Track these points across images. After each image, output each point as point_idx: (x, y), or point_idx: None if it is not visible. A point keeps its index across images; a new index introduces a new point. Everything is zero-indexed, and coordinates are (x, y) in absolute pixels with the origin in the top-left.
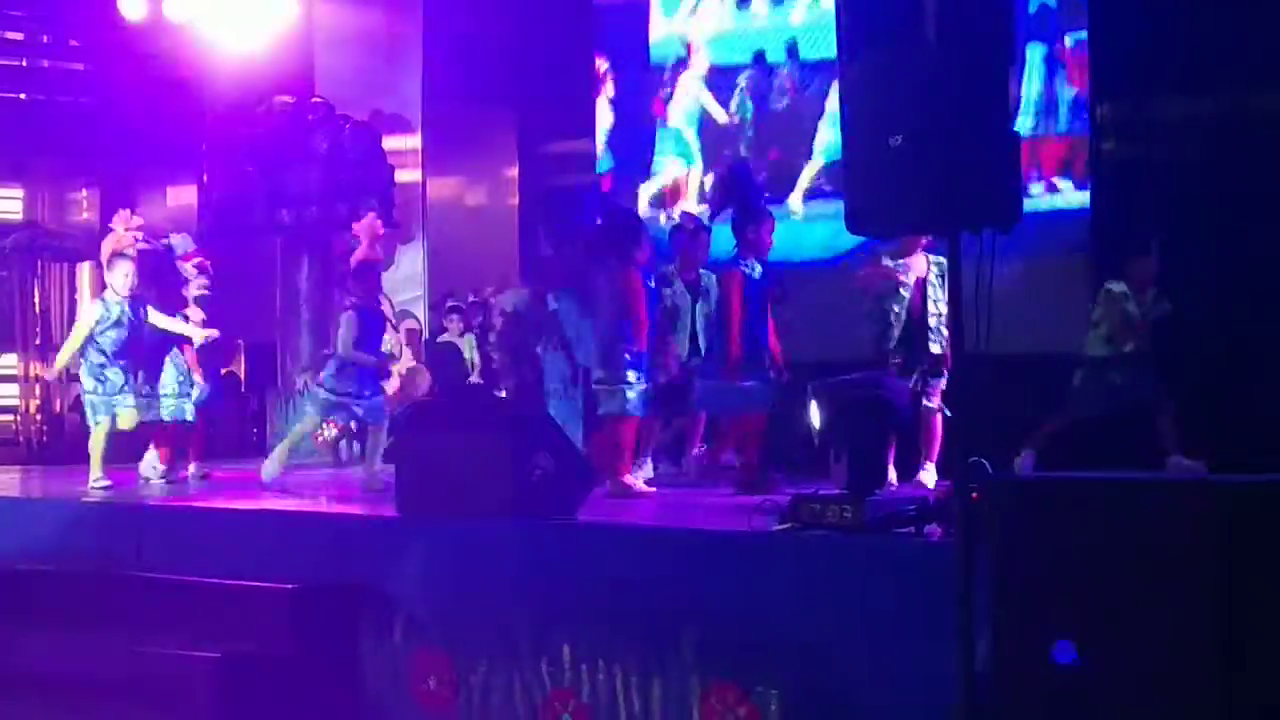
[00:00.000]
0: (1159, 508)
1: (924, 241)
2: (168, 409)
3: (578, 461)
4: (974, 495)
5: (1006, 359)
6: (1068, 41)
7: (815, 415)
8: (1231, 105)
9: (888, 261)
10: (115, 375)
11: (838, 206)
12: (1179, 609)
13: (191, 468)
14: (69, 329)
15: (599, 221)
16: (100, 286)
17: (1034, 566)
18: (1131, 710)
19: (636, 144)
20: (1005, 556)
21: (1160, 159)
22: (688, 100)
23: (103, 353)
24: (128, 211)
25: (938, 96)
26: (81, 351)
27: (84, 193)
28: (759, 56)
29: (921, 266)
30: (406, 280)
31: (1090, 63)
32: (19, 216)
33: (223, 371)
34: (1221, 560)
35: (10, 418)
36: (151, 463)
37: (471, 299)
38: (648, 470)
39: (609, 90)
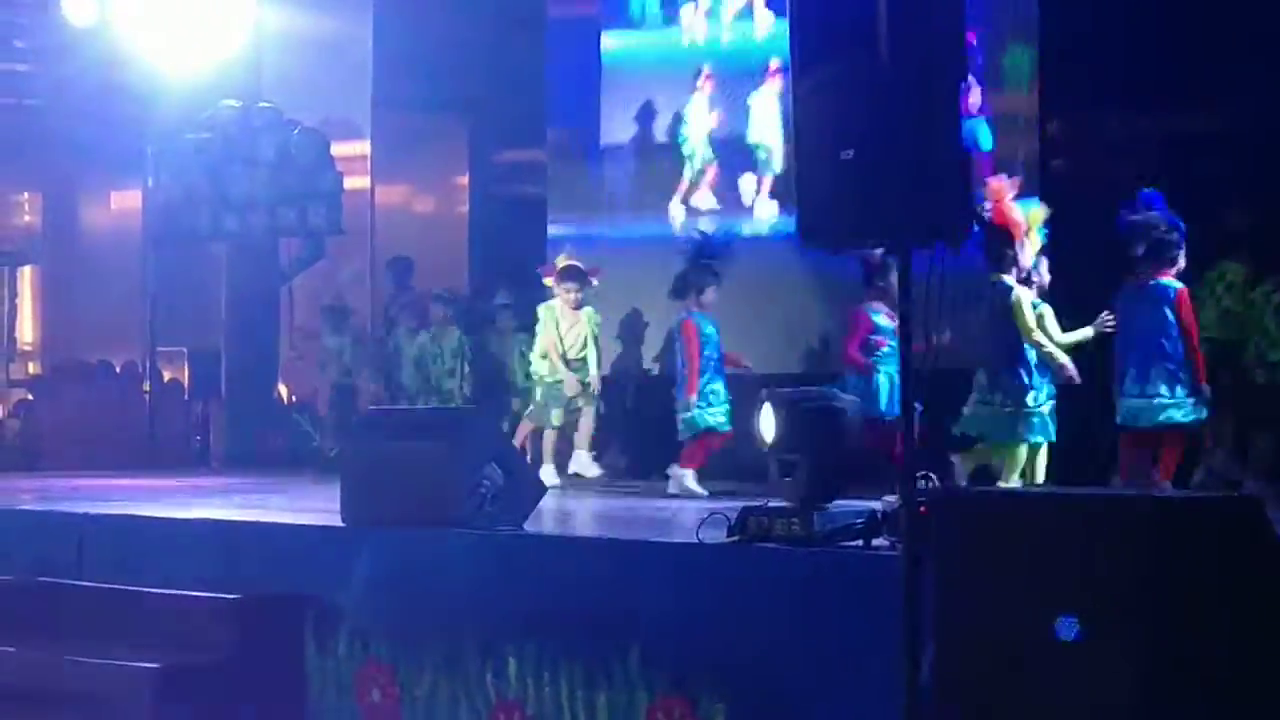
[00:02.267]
0: (1102, 521)
1: None
2: None
3: (525, 473)
4: (922, 509)
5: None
6: None
7: (766, 425)
8: (1180, 122)
9: None
10: None
11: None
12: (1123, 624)
13: None
14: (7, 334)
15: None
16: (45, 292)
17: (980, 580)
18: None
19: None
20: (950, 570)
21: (1109, 175)
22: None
23: None
24: None
25: (889, 112)
26: None
27: (26, 196)
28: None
29: None
30: (349, 286)
31: (1040, 79)
32: None
33: (166, 379)
34: (1160, 574)
35: None
36: None
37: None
38: None
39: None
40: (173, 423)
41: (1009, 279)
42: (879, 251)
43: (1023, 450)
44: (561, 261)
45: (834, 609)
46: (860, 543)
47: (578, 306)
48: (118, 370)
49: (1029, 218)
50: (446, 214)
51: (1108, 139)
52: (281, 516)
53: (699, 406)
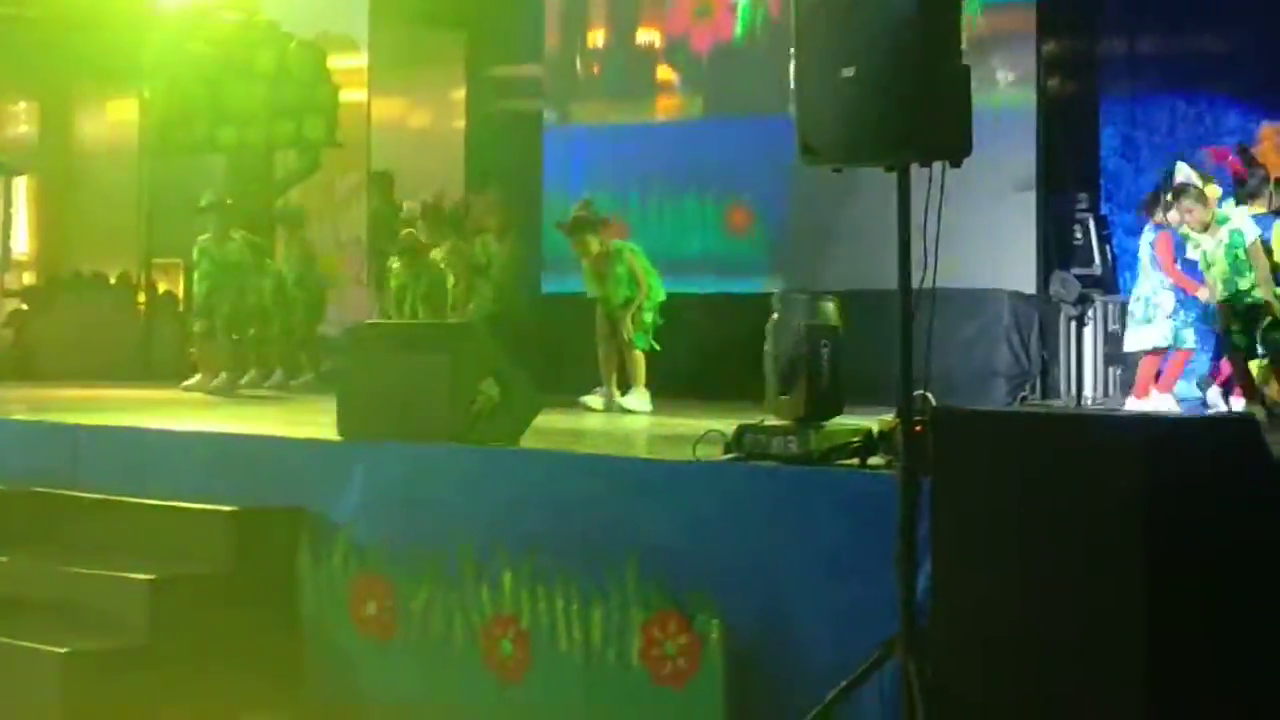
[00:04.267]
0: (1098, 440)
1: None
2: None
3: (522, 388)
4: (918, 427)
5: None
6: None
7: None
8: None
9: None
10: None
11: None
12: (1117, 542)
13: None
14: (2, 244)
15: None
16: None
17: (975, 499)
18: (1065, 640)
19: None
20: (947, 488)
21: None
22: None
23: None
24: None
25: (889, 29)
26: None
27: (21, 105)
28: None
29: None
30: (348, 195)
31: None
32: None
33: (161, 291)
34: (1155, 494)
35: None
36: None
37: None
38: None
39: None
40: (167, 334)
41: None
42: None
43: None
44: (576, 211)
45: (829, 526)
46: (856, 461)
47: (599, 253)
48: (112, 282)
49: None
50: (443, 128)
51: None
52: (277, 429)
53: None
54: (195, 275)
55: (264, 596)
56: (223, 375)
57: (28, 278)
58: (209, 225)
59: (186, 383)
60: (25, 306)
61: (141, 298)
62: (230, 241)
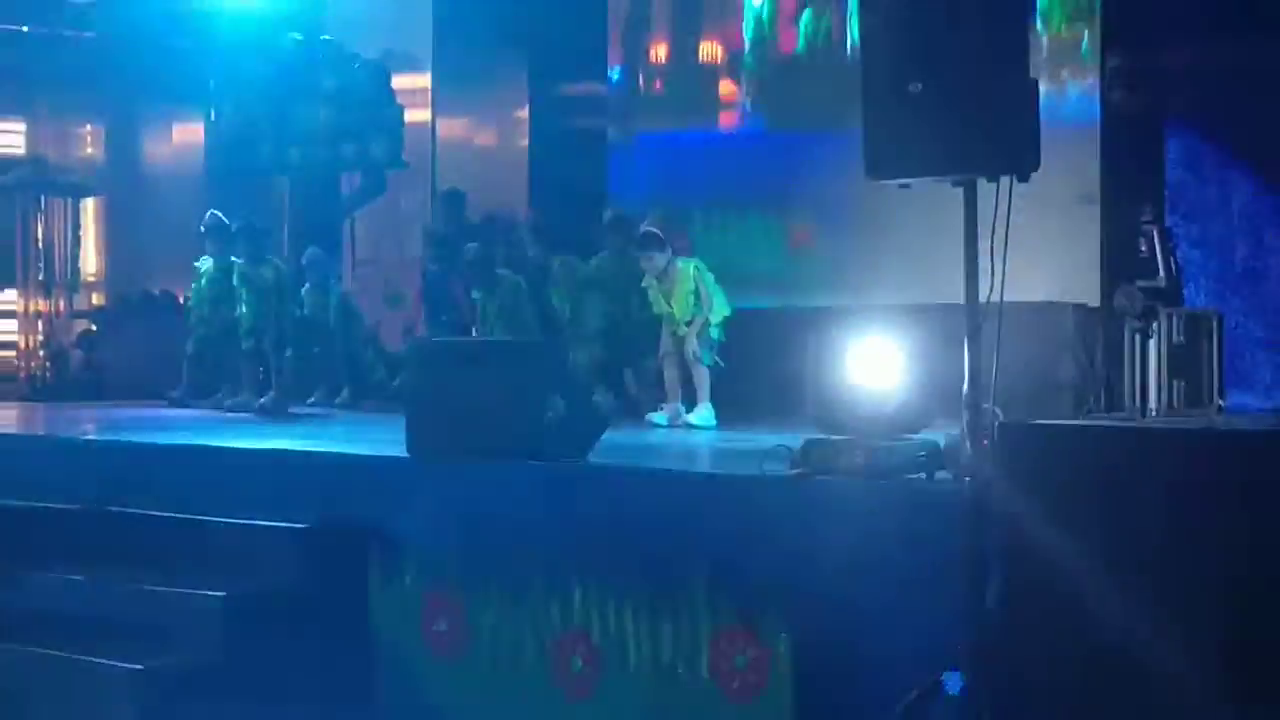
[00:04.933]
0: (1165, 453)
1: None
2: None
3: (589, 404)
4: (984, 441)
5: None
6: None
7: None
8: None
9: None
10: None
11: None
12: (1188, 554)
13: None
14: (71, 265)
15: None
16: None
17: (1045, 511)
18: (1134, 653)
19: None
20: (1014, 502)
21: (1172, 110)
22: None
23: None
24: None
25: (957, 43)
26: None
27: (88, 127)
28: None
29: None
30: (411, 219)
31: (1102, 10)
32: (22, 151)
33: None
34: (1222, 507)
35: (10, 354)
36: None
37: None
38: None
39: None
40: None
41: None
42: None
43: None
44: (645, 226)
45: (896, 540)
46: (923, 475)
47: (664, 270)
48: (181, 301)
49: None
50: (507, 146)
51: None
52: (346, 447)
53: None
54: (241, 298)
55: (336, 613)
56: (272, 393)
57: (96, 298)
58: (241, 249)
59: (229, 401)
60: (95, 327)
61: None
62: (265, 264)
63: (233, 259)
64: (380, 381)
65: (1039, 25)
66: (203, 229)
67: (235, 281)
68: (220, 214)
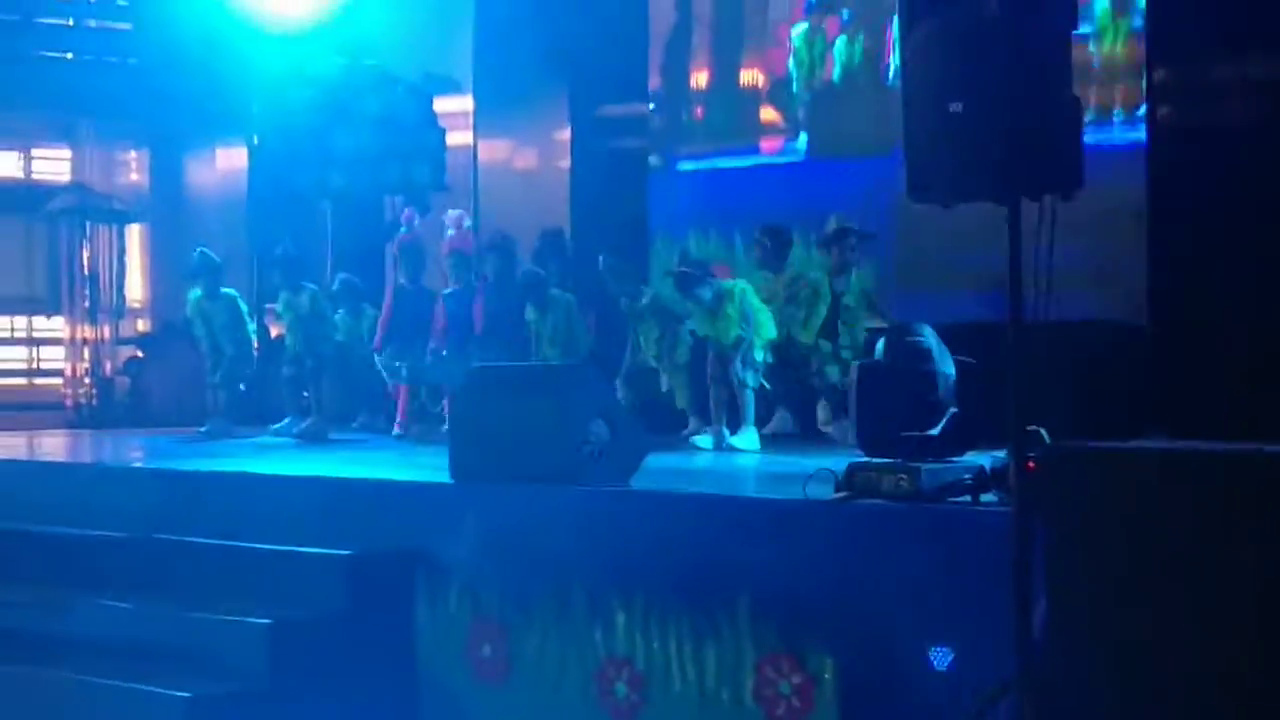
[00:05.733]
0: (1217, 477)
1: None
2: None
3: (632, 428)
4: (1030, 465)
5: (1062, 326)
6: None
7: None
8: None
9: None
10: None
11: None
12: (1234, 580)
13: None
14: (116, 291)
15: None
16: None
17: (1091, 536)
18: (1184, 683)
19: None
20: (1061, 526)
21: (1222, 125)
22: None
23: None
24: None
25: (998, 62)
26: None
27: (132, 154)
28: None
29: None
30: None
31: (1146, 24)
32: (67, 178)
33: (273, 335)
34: (1276, 533)
35: (57, 381)
36: None
37: None
38: None
39: None
40: (280, 379)
41: None
42: None
43: None
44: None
45: (942, 565)
46: (969, 499)
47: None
48: None
49: None
50: (548, 169)
51: (1218, 86)
52: (391, 473)
53: None
54: (285, 325)
55: (381, 639)
56: (314, 419)
57: (141, 325)
58: (281, 276)
59: (275, 427)
60: (140, 354)
61: (255, 343)
62: (303, 292)
63: (222, 290)
64: (421, 407)
65: (1090, 45)
66: (193, 266)
67: (279, 309)
68: (208, 250)
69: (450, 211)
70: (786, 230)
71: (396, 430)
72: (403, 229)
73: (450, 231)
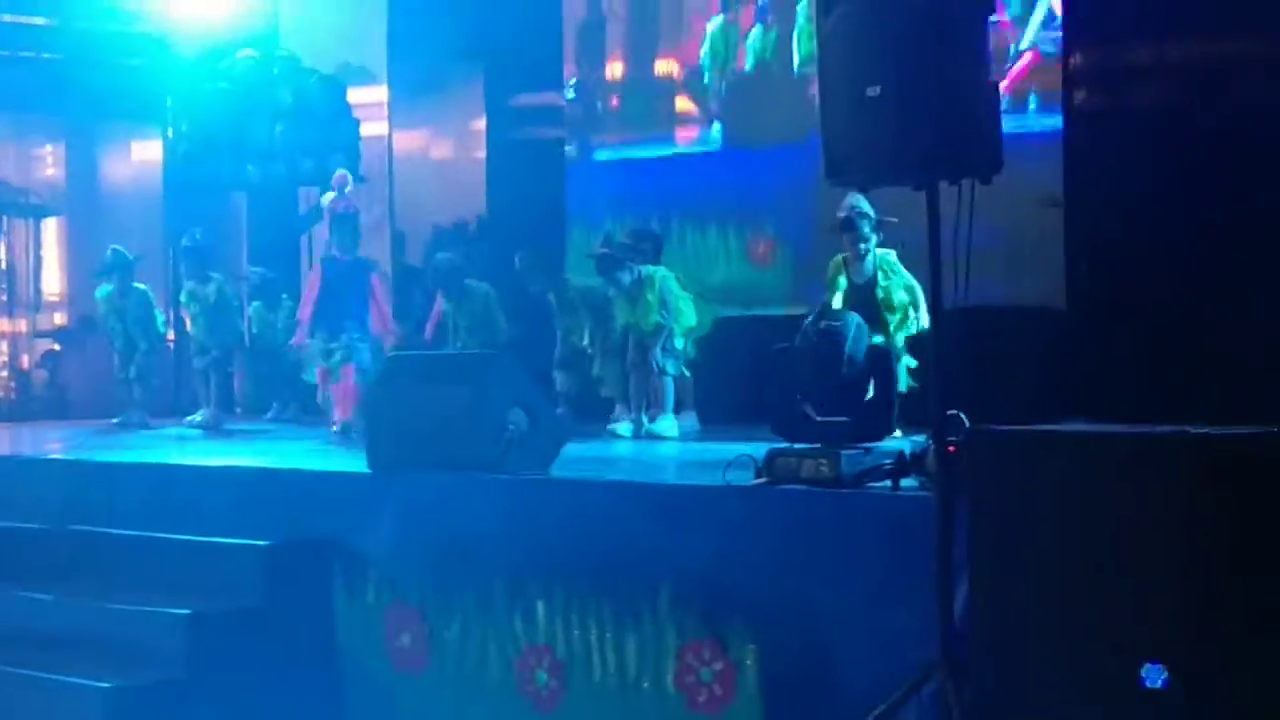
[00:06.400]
0: (1135, 459)
1: None
2: None
3: (551, 417)
4: (951, 448)
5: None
6: None
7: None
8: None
9: None
10: None
11: None
12: (1155, 561)
13: None
14: (33, 285)
15: None
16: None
17: (1012, 520)
18: (1105, 662)
19: None
20: (983, 510)
21: (1135, 108)
22: None
23: None
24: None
25: (916, 46)
26: None
27: (48, 148)
28: None
29: None
30: (369, 233)
31: (1064, 8)
32: None
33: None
34: (1196, 514)
35: None
36: None
37: None
38: None
39: None
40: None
41: None
42: None
43: None
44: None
45: (864, 550)
46: (889, 484)
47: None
48: None
49: None
50: (464, 159)
51: (1136, 70)
52: (309, 463)
53: None
54: (190, 316)
55: (300, 629)
56: (211, 410)
57: (59, 318)
58: (186, 267)
59: (188, 418)
60: (58, 347)
61: (171, 334)
62: (209, 283)
63: (134, 285)
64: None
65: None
66: (105, 264)
67: (183, 299)
68: (121, 248)
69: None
70: (658, 235)
71: (335, 428)
72: (334, 193)
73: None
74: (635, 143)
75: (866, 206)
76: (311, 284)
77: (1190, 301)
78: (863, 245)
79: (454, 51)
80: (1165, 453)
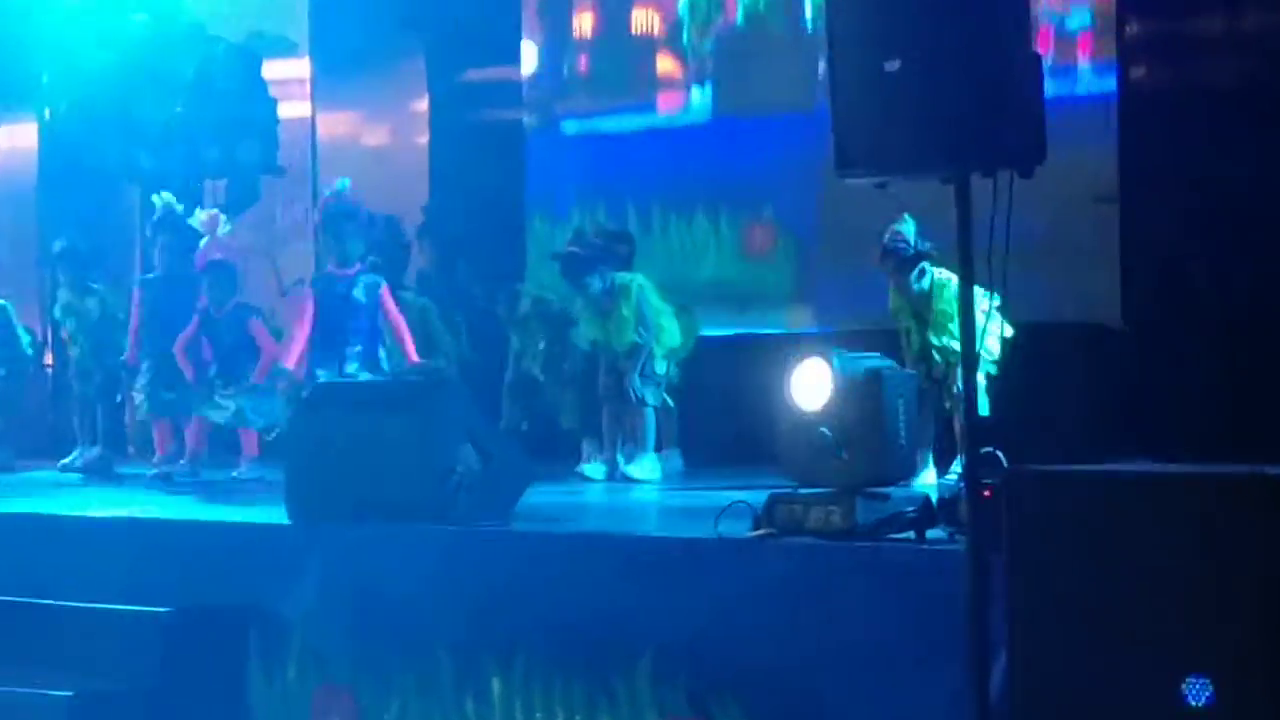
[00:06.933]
0: (1205, 505)
1: None
2: None
3: (510, 455)
4: (987, 492)
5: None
6: None
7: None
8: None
9: None
10: None
11: None
12: (1217, 615)
13: None
14: None
15: None
16: None
17: (1059, 577)
18: None
19: None
20: (1024, 566)
21: (1204, 85)
22: None
23: None
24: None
25: (943, 12)
26: None
27: None
28: None
29: None
30: (290, 234)
31: None
32: None
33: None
34: (1267, 558)
35: None
36: None
37: None
38: None
39: None
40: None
41: None
42: None
43: None
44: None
45: (878, 613)
46: (912, 535)
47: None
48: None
49: None
50: (403, 145)
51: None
52: (216, 513)
53: None
54: (68, 334)
55: (206, 714)
56: (97, 449)
57: None
58: (62, 276)
59: (62, 461)
60: None
61: (49, 358)
62: (90, 295)
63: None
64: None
65: None
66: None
67: (58, 314)
68: None
69: (200, 213)
70: (634, 238)
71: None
72: (326, 192)
73: (205, 239)
74: (608, 112)
75: (911, 232)
76: (304, 311)
77: (1267, 316)
78: (902, 278)
79: (391, 19)
80: (1240, 497)
